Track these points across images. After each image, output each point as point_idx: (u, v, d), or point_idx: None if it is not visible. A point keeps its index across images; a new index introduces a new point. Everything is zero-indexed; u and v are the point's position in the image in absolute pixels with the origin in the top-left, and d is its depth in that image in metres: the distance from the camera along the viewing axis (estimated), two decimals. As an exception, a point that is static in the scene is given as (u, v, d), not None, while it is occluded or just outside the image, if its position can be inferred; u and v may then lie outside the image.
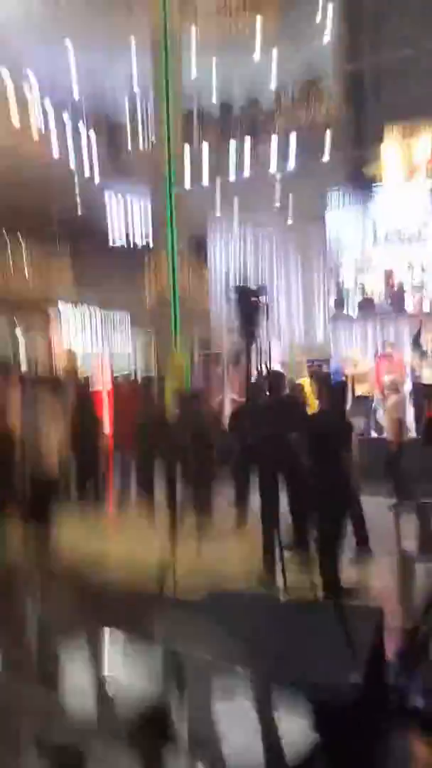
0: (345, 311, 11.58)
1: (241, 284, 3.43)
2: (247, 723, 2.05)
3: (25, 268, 15.66)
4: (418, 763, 2.70)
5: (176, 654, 2.01)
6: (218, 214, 15.35)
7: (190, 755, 1.99)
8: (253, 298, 3.19)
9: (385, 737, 2.66)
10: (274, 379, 4.88)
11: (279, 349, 10.18)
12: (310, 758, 1.99)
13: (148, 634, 2.16)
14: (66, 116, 15.09)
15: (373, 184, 11.41)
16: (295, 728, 2.09)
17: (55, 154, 14.28)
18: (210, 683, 1.97)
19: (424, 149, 10.79)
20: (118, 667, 2.28)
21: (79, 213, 16.49)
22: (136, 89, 15.47)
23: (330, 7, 12.89)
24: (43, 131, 13.89)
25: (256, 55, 14.50)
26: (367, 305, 11.37)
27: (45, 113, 14.44)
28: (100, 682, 2.16)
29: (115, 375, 10.73)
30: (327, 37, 13.19)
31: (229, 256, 13.26)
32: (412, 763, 2.69)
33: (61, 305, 17.53)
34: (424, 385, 8.83)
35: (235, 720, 2.10)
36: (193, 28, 14.55)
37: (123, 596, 4.61)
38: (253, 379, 4.59)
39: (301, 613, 3.24)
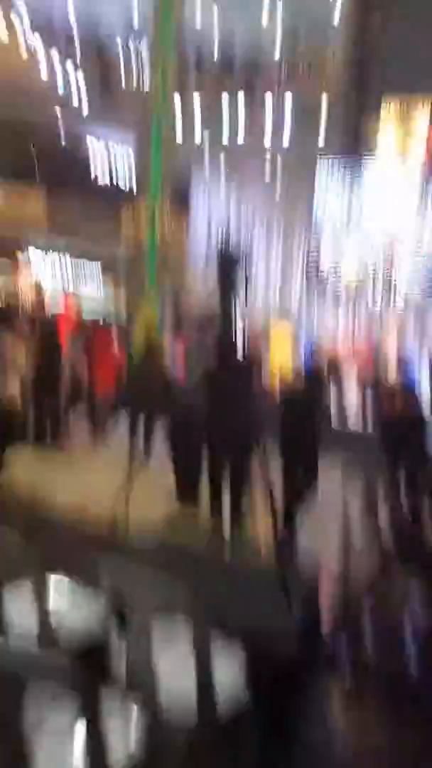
0: (322, 285, 11.42)
1: (225, 250, 3.37)
2: (185, 669, 2.08)
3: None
4: (342, 715, 2.85)
5: (120, 596, 2.02)
6: (206, 169, 14.83)
7: (126, 694, 2.03)
8: (235, 265, 3.15)
9: (314, 691, 2.79)
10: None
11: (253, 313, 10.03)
12: (241, 711, 2.05)
13: (94, 576, 2.17)
14: (58, 42, 14.03)
15: (367, 156, 11.07)
16: (230, 681, 2.14)
17: (42, 77, 13.25)
18: (151, 627, 1.99)
19: (421, 126, 10.53)
20: (62, 605, 2.29)
21: (61, 146, 15.69)
22: (134, 25, 14.51)
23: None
24: (33, 52, 12.79)
25: (263, 10, 13.72)
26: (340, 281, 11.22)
27: (37, 34, 13.32)
28: (42, 616, 2.17)
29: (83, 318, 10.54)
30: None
31: (211, 214, 12.83)
32: (335, 714, 2.84)
33: (31, 251, 16.94)
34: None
35: (173, 665, 2.14)
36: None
37: (73, 536, 4.64)
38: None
39: (245, 571, 3.31)
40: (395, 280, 10.84)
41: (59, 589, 2.39)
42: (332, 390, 8.68)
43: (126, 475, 3.26)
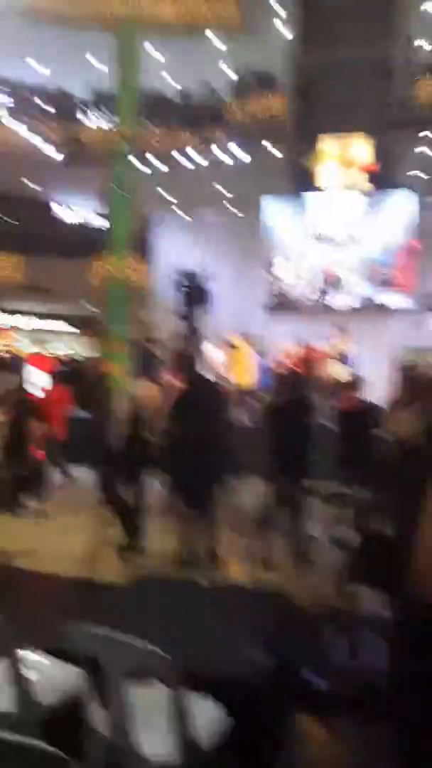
0: (278, 303, 11.88)
1: (187, 271, 3.45)
2: (164, 707, 2.11)
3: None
4: (315, 742, 2.87)
5: (95, 637, 2.05)
6: (166, 199, 15.32)
7: (106, 742, 2.04)
8: (197, 285, 3.25)
9: (287, 717, 2.81)
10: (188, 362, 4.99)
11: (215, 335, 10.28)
12: (222, 741, 2.08)
13: (68, 644, 2.20)
14: (26, 108, 14.50)
15: (313, 182, 11.67)
16: (209, 713, 2.17)
17: (12, 143, 13.63)
18: (123, 665, 2.02)
19: (362, 154, 11.12)
20: (36, 679, 2.30)
21: (31, 210, 16.08)
22: (92, 66, 15.11)
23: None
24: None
25: (214, 43, 14.43)
26: (294, 299, 11.70)
27: (5, 99, 13.74)
28: (18, 694, 2.18)
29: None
30: (283, 31, 13.25)
31: (174, 243, 13.25)
32: (309, 741, 2.86)
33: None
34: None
35: (151, 705, 2.16)
36: (154, 7, 14.35)
37: (50, 582, 4.65)
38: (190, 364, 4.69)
39: (218, 597, 3.36)
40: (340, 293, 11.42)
41: (33, 662, 2.40)
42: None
43: (96, 534, 3.28)
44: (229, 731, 2.15)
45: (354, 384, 5.80)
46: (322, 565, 4.32)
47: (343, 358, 9.05)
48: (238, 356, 10.19)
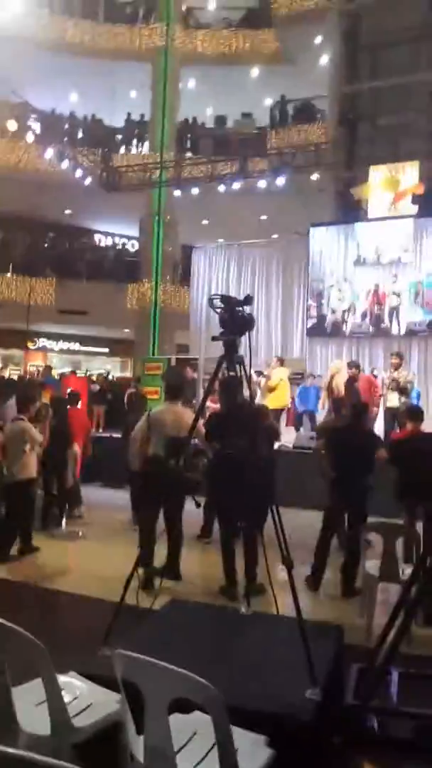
0: (321, 329, 11.76)
1: (227, 295, 3.42)
2: (205, 740, 2.01)
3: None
4: None
5: (134, 688, 1.96)
6: (205, 226, 15.50)
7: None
8: (239, 308, 3.18)
9: (339, 757, 2.64)
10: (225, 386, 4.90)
11: (257, 360, 10.23)
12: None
13: (108, 670, 2.12)
14: (65, 138, 14.96)
15: (359, 207, 11.64)
16: (252, 744, 2.06)
17: (51, 172, 14.00)
18: (167, 695, 1.92)
19: (410, 180, 11.06)
20: (75, 703, 2.22)
21: (70, 238, 16.49)
22: (132, 98, 15.57)
23: (328, 29, 13.12)
24: (42, 148, 13.61)
25: (254, 73, 14.73)
26: (342, 325, 11.57)
27: (44, 130, 14.23)
28: (55, 717, 2.10)
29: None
30: (325, 58, 13.43)
31: (212, 269, 13.32)
32: None
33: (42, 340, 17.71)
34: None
35: (191, 736, 2.07)
36: (193, 40, 14.77)
37: (84, 605, 4.58)
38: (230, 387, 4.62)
39: (261, 627, 3.22)
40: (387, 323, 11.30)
41: (72, 686, 2.32)
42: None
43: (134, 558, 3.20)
44: (274, 766, 2.02)
45: (413, 413, 5.61)
46: (374, 600, 4.12)
47: (402, 385, 8.82)
48: (277, 382, 10.09)
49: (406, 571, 3.95)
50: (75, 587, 5.10)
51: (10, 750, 1.38)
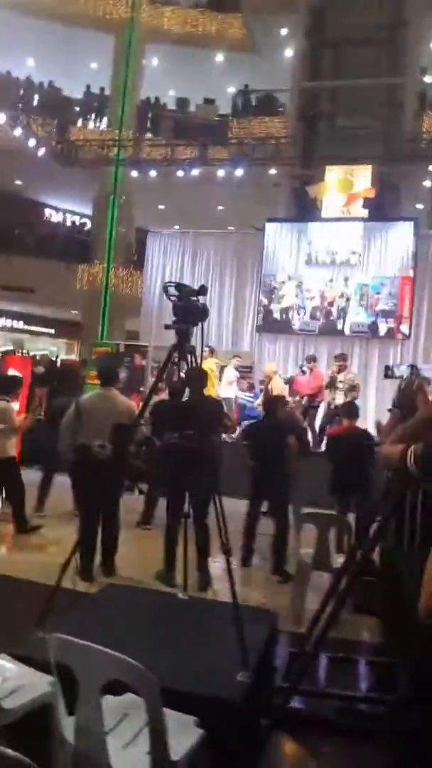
0: (272, 324, 11.90)
1: (180, 283, 3.39)
2: (136, 721, 2.04)
3: None
4: (293, 763, 2.79)
5: (67, 645, 1.95)
6: (161, 211, 15.31)
7: (74, 752, 1.95)
8: (193, 297, 3.17)
9: (266, 737, 2.73)
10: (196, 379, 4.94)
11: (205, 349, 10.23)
12: (194, 753, 2.01)
13: (41, 628, 2.10)
14: (20, 110, 14.34)
15: (314, 206, 11.80)
16: (182, 724, 2.10)
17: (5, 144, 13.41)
18: (100, 677, 1.93)
19: (363, 183, 11.30)
20: (6, 665, 2.20)
21: (21, 213, 15.85)
22: (92, 65, 15.12)
23: (294, 22, 13.15)
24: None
25: (219, 56, 14.61)
26: (291, 322, 11.75)
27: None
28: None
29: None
30: (290, 51, 13.47)
31: (167, 255, 13.19)
32: (287, 762, 2.78)
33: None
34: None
35: (123, 717, 2.09)
36: (160, 16, 14.48)
37: (19, 589, 4.51)
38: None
39: (196, 611, 3.27)
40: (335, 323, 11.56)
41: (1, 669, 2.29)
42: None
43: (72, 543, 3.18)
44: (204, 747, 2.07)
45: (348, 410, 5.80)
46: (305, 587, 4.25)
47: (352, 384, 9.04)
48: (229, 374, 10.15)
49: (338, 560, 4.09)
50: (12, 571, 5.02)
51: None
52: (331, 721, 2.90)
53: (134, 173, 13.65)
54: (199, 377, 4.93)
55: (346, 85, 12.46)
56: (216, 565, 4.77)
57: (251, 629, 2.70)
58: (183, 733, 2.06)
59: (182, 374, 3.46)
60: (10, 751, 1.29)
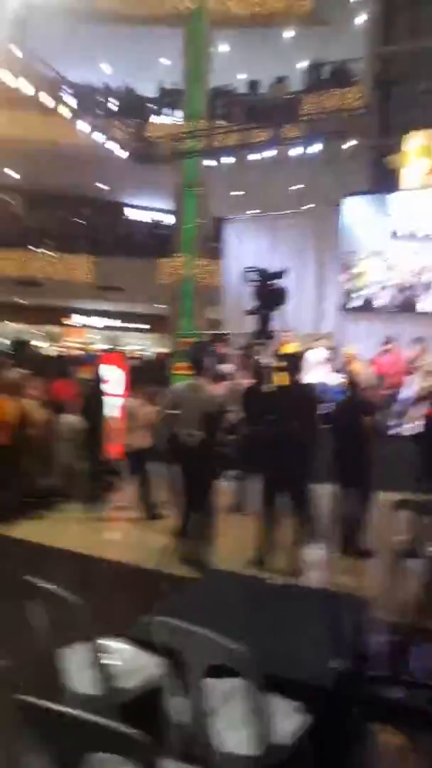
0: (354, 303, 11.54)
1: (262, 267, 3.40)
2: (241, 701, 2.13)
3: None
4: (389, 752, 2.78)
5: (174, 653, 2.08)
6: (237, 198, 15.27)
7: (184, 731, 2.08)
8: (273, 281, 3.19)
9: (360, 726, 2.73)
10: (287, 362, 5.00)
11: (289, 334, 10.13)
12: (299, 737, 2.07)
13: (148, 634, 2.25)
14: (98, 111, 14.79)
15: (394, 177, 11.28)
16: (287, 709, 2.16)
17: (84, 147, 13.90)
18: (205, 660, 2.04)
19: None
20: (118, 666, 2.35)
21: (103, 212, 16.41)
22: (164, 61, 15.29)
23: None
24: (75, 122, 13.46)
25: (288, 32, 14.27)
26: (375, 300, 11.33)
27: (78, 104, 14.04)
28: (99, 680, 2.23)
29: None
30: (362, 17, 12.89)
31: (245, 242, 13.15)
32: (383, 751, 2.77)
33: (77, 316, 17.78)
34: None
35: (228, 697, 2.19)
36: (225, 3, 14.33)
37: (125, 573, 4.78)
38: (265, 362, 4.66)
39: (290, 597, 3.32)
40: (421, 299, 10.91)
41: (115, 650, 2.46)
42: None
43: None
44: (308, 732, 2.12)
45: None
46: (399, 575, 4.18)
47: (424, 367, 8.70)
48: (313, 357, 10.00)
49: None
50: (115, 555, 5.31)
51: (61, 708, 1.51)
52: (427, 711, 2.86)
53: (209, 163, 13.70)
54: (295, 363, 5.00)
55: (423, 46, 11.74)
56: (308, 551, 4.79)
57: (344, 616, 2.71)
58: (287, 718, 2.12)
59: (270, 360, 3.47)
60: (125, 728, 1.41)
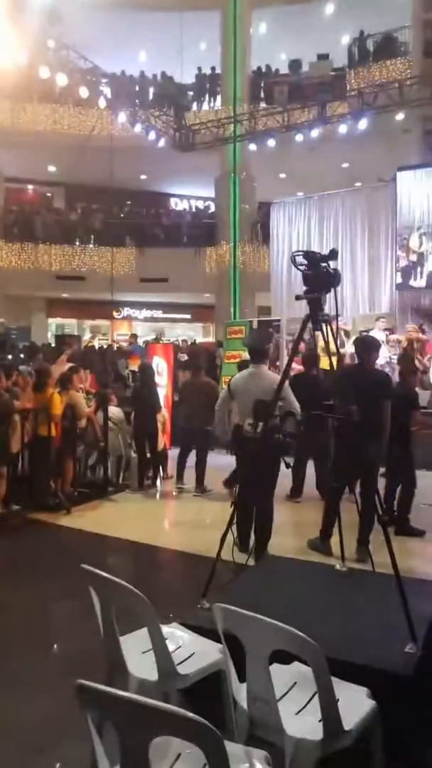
0: (412, 281, 11.15)
1: (309, 251, 3.27)
2: (305, 689, 2.07)
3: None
4: None
5: (235, 616, 2.03)
6: (283, 181, 15.00)
7: (248, 718, 2.04)
8: (323, 263, 3.05)
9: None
10: (362, 347, 4.91)
11: (343, 318, 9.89)
12: (367, 725, 2.00)
13: (209, 621, 2.21)
14: (140, 105, 14.74)
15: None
16: (353, 694, 2.09)
17: (127, 142, 14.00)
18: (267, 647, 1.98)
19: None
20: (179, 652, 2.34)
21: (147, 205, 16.46)
22: (201, 50, 15.13)
23: None
24: (117, 117, 13.51)
25: (329, 10, 13.84)
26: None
27: (120, 100, 14.11)
28: (161, 666, 2.22)
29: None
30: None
31: (292, 225, 12.89)
32: None
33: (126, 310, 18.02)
34: None
35: (292, 685, 2.13)
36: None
37: (181, 560, 4.78)
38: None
39: (357, 583, 3.22)
40: None
41: (175, 636, 2.44)
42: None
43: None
44: (377, 718, 2.04)
45: None
46: None
47: None
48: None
49: None
50: (171, 543, 5.33)
51: (124, 693, 1.49)
52: None
53: (252, 147, 13.48)
54: (366, 347, 4.88)
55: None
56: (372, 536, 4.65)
57: (416, 601, 2.60)
58: (355, 703, 2.05)
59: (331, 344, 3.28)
60: (189, 713, 1.37)
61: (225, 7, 14.13)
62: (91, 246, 16.20)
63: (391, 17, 12.81)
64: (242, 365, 6.25)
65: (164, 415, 7.75)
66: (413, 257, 11.07)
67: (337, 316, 3.03)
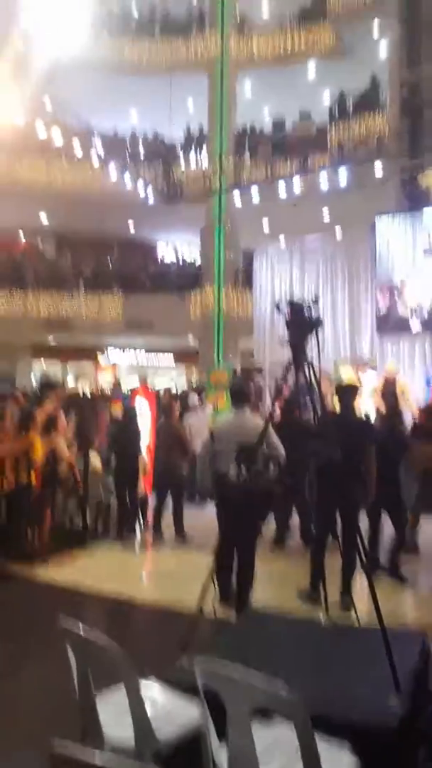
0: (391, 325, 11.33)
1: (292, 298, 3.34)
2: (287, 748, 1.99)
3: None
4: None
5: (215, 696, 1.96)
6: (266, 230, 15.40)
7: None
8: (305, 312, 3.14)
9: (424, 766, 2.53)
10: (344, 393, 4.94)
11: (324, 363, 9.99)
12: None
13: (188, 676, 2.14)
14: (125, 155, 15.30)
15: (427, 195, 11.16)
16: (335, 750, 2.02)
17: (113, 189, 14.41)
18: (248, 706, 1.91)
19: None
20: (156, 709, 2.25)
21: (133, 250, 16.86)
22: (190, 109, 15.78)
23: (386, 17, 12.74)
24: (103, 166, 13.99)
25: (311, 71, 14.55)
26: (413, 320, 11.10)
27: (105, 148, 14.57)
28: (138, 724, 2.13)
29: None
30: (383, 47, 13.03)
31: (275, 273, 13.18)
32: None
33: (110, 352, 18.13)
34: None
35: (274, 744, 2.05)
36: (249, 46, 14.74)
37: (162, 616, 4.62)
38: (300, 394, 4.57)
39: (341, 636, 3.15)
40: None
41: (153, 693, 2.35)
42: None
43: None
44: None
45: None
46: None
47: None
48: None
49: None
50: (150, 596, 5.18)
51: (97, 761, 1.41)
52: None
53: (237, 198, 13.88)
54: (349, 393, 4.92)
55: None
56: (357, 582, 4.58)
57: (401, 652, 2.55)
58: (336, 760, 1.98)
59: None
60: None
61: (212, 69, 14.81)
62: (79, 293, 16.36)
63: (370, 76, 13.46)
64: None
65: (145, 459, 7.66)
66: (393, 304, 11.30)
67: (319, 359, 3.09)
